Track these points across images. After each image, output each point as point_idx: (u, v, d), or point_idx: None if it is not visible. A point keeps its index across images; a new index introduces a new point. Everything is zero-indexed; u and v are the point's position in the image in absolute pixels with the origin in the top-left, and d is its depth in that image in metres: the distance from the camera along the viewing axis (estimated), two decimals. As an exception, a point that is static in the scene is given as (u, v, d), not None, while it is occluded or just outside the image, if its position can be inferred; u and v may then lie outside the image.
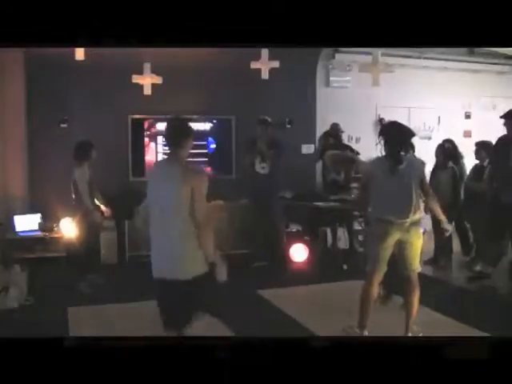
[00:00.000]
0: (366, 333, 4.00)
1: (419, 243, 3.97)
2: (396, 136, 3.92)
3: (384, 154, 3.93)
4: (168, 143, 3.29)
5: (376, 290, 4.06)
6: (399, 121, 4.07)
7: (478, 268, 5.92)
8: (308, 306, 4.82)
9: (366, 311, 4.00)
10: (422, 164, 4.07)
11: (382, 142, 3.94)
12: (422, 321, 4.45)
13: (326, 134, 7.48)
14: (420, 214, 3.94)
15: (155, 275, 3.12)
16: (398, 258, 3.96)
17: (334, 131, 7.34)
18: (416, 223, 3.91)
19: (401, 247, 3.93)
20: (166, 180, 3.05)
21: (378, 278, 4.00)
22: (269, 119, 6.38)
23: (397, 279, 4.11)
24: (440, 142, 6.81)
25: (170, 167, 3.10)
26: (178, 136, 3.16)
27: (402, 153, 3.88)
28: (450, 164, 6.30)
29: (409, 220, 3.85)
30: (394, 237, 3.88)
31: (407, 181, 3.85)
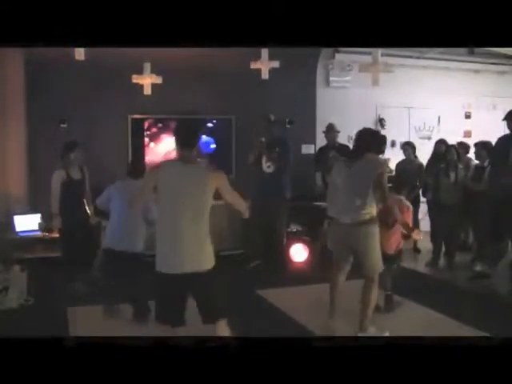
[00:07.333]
0: (331, 321, 4.11)
1: (370, 244, 3.89)
2: (361, 138, 3.98)
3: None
4: (183, 144, 3.25)
5: (340, 281, 4.16)
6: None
7: (478, 268, 5.92)
8: (308, 306, 4.81)
9: (332, 300, 4.16)
10: (380, 164, 3.97)
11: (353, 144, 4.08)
12: (423, 321, 4.46)
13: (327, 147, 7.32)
14: (370, 215, 3.85)
15: (170, 271, 3.15)
16: (356, 255, 3.99)
17: (331, 132, 7.25)
18: (365, 223, 3.83)
19: (352, 247, 3.94)
20: (189, 181, 3.17)
21: (340, 272, 4.10)
22: (271, 117, 6.39)
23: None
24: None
25: (192, 169, 3.21)
26: (193, 137, 3.27)
27: (360, 151, 3.89)
28: (460, 166, 6.34)
29: (353, 220, 3.81)
30: (343, 235, 3.90)
31: (358, 180, 3.80)
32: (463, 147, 6.93)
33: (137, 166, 4.72)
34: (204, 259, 3.17)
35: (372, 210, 3.86)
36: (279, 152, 6.23)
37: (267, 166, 6.33)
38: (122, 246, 4.33)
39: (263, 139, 6.28)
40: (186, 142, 3.25)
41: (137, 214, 4.26)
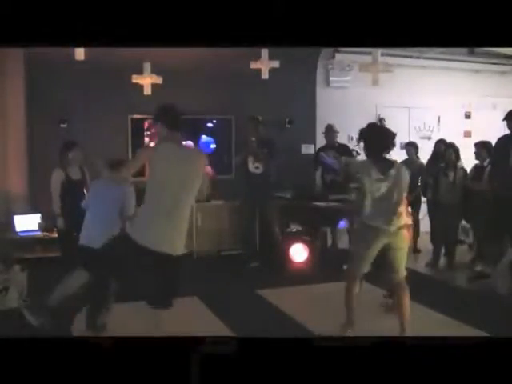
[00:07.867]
0: (349, 330, 4.03)
1: (405, 247, 3.97)
2: (378, 139, 3.89)
3: (369, 157, 3.92)
4: (172, 126, 3.38)
5: (357, 287, 4.10)
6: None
7: (477, 268, 5.93)
8: (308, 306, 4.81)
9: (352, 308, 4.07)
10: (409, 172, 4.03)
11: (363, 145, 3.94)
12: (422, 321, 4.46)
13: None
14: (406, 219, 3.91)
15: (148, 245, 3.20)
16: (386, 262, 3.96)
17: (330, 133, 7.24)
18: (402, 228, 3.89)
19: (388, 251, 3.93)
20: (182, 162, 3.29)
21: (359, 277, 4.08)
22: (259, 117, 6.37)
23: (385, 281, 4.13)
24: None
25: (184, 150, 3.42)
26: (179, 119, 3.44)
27: (388, 157, 3.88)
28: (459, 165, 6.34)
29: (395, 225, 3.83)
30: (382, 241, 3.89)
31: (395, 187, 3.82)
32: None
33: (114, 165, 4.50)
34: (179, 244, 3.29)
35: (406, 214, 3.96)
36: (267, 153, 6.21)
37: (255, 167, 6.30)
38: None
39: (253, 139, 6.26)
40: (173, 124, 3.38)
41: (113, 213, 4.19)
